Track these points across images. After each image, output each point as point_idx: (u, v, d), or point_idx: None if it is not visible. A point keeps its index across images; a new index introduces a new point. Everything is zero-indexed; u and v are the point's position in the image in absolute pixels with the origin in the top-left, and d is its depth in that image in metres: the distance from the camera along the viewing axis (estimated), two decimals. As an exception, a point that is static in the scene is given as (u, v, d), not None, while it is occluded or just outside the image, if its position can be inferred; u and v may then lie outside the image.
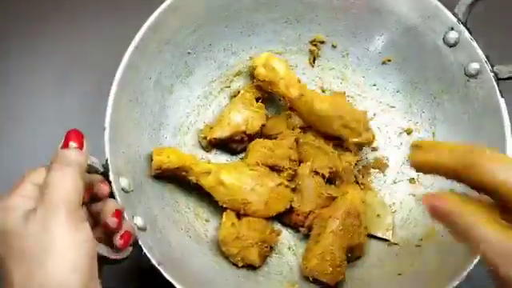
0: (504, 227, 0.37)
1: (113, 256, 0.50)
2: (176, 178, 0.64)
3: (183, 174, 0.62)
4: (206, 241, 0.64)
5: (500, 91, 0.62)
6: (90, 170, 0.52)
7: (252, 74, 0.69)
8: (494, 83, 0.63)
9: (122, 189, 0.55)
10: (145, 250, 0.52)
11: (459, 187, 0.63)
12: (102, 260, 0.48)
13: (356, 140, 0.67)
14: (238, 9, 0.69)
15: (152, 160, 0.61)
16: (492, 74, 0.63)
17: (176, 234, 0.61)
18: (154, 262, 0.52)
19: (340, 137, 0.67)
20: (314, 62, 0.74)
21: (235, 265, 0.62)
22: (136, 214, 0.55)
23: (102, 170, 0.53)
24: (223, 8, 0.68)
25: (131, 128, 0.61)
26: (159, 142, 0.66)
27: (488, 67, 0.63)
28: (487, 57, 0.64)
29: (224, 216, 0.63)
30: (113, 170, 0.54)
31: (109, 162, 0.54)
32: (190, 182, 0.63)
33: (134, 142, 0.61)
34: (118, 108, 0.58)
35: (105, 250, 0.49)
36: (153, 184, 0.62)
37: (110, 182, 0.53)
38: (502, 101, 0.62)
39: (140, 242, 0.52)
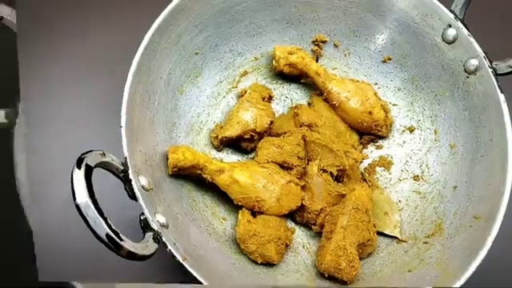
0: None
1: (140, 252, 0.49)
2: (192, 177, 0.63)
3: (198, 172, 0.62)
4: (225, 239, 0.64)
5: (499, 86, 0.64)
6: (110, 167, 0.52)
7: (272, 62, 0.72)
8: (493, 79, 0.64)
9: (142, 187, 0.54)
10: (169, 247, 0.51)
11: (460, 184, 0.65)
12: (129, 256, 0.47)
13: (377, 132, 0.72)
14: (241, 10, 0.70)
15: (168, 159, 0.61)
16: (491, 69, 0.64)
17: (196, 231, 0.61)
18: (179, 258, 0.51)
19: (361, 124, 0.71)
20: (317, 62, 0.74)
21: (255, 262, 0.62)
22: (157, 212, 0.54)
23: (121, 167, 0.52)
24: (226, 9, 0.69)
25: (146, 127, 0.61)
26: (173, 142, 0.65)
27: (487, 63, 0.65)
28: (485, 53, 0.65)
29: (240, 214, 0.63)
30: (132, 169, 0.53)
31: (128, 160, 0.53)
32: (205, 181, 0.63)
33: (150, 141, 0.61)
34: (133, 107, 0.58)
35: (132, 246, 0.49)
36: (170, 183, 0.62)
37: (130, 181, 0.53)
38: (501, 96, 0.63)
39: (164, 239, 0.51)
